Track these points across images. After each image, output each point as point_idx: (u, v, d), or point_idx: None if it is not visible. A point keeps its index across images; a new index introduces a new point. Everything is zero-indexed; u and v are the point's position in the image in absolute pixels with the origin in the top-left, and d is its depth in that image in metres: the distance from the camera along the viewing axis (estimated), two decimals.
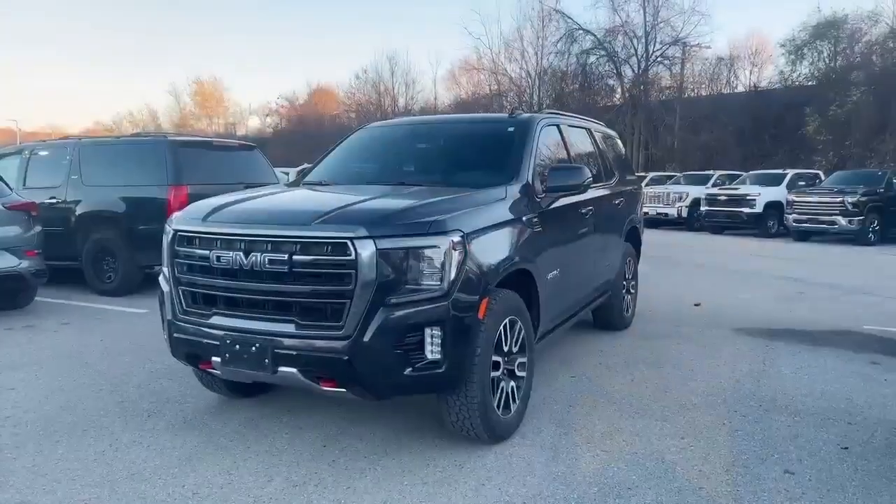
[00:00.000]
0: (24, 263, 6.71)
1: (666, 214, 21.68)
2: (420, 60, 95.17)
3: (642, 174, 26.30)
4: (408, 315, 3.15)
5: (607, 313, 6.15)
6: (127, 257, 7.86)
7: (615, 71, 36.00)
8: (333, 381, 3.24)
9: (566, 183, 4.26)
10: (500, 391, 3.66)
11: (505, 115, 4.92)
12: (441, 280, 3.20)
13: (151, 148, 7.92)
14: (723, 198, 19.59)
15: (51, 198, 8.27)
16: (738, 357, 5.46)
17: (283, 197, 4.00)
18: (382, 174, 4.63)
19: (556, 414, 4.17)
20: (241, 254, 3.29)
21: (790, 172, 20.27)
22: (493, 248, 3.58)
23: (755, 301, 8.05)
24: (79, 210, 8.16)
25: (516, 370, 3.83)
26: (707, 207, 19.81)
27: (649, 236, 18.01)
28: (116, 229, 7.92)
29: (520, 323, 3.82)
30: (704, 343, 5.91)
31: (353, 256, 3.10)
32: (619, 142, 6.97)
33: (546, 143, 4.78)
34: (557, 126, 5.11)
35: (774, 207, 18.59)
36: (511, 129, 4.65)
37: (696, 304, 7.73)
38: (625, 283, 6.35)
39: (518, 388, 3.87)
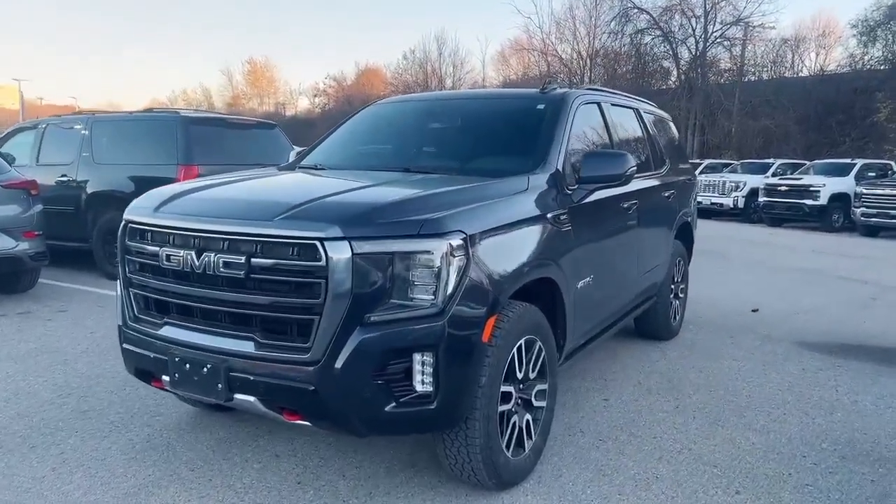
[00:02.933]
0: (22, 245, 6.29)
1: (721, 205, 20.55)
2: (468, 40, 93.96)
3: (697, 161, 25.07)
4: (392, 336, 2.51)
5: (652, 321, 5.40)
6: None
7: (671, 52, 34.45)
8: (298, 413, 2.62)
9: (604, 172, 3.53)
10: (510, 427, 3.00)
11: (536, 90, 4.20)
12: (435, 294, 2.54)
13: (162, 125, 7.43)
14: (783, 188, 18.37)
15: (62, 175, 7.87)
16: (805, 380, 4.65)
17: (259, 183, 3.37)
18: (386, 158, 3.96)
19: (582, 450, 3.47)
20: (193, 253, 2.68)
21: (859, 162, 18.88)
22: (507, 253, 2.90)
23: (821, 307, 7.15)
24: (89, 189, 7.73)
25: (533, 399, 3.15)
26: (766, 198, 18.62)
27: (702, 228, 16.96)
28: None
29: (539, 343, 3.14)
30: (764, 360, 5.11)
31: (322, 262, 2.46)
32: (672, 125, 6.15)
33: (583, 125, 4.05)
34: (598, 105, 4.36)
35: (840, 200, 17.33)
36: (541, 106, 3.93)
37: (753, 310, 6.88)
38: (673, 286, 5.57)
39: (535, 420, 3.20)
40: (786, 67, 35.56)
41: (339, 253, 2.45)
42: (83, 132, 7.92)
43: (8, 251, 6.18)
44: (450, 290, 2.56)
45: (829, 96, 29.89)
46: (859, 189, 16.45)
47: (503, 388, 2.89)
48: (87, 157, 7.77)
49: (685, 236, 5.79)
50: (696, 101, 32.15)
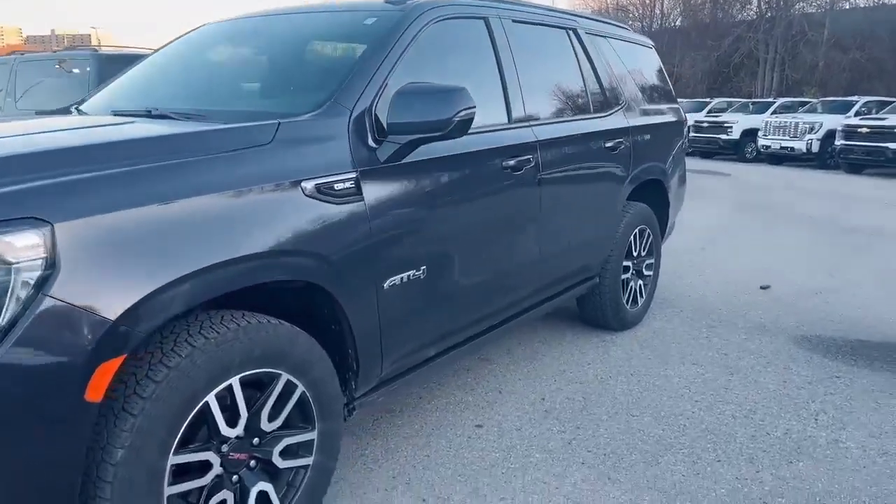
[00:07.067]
0: None
1: (791, 149, 18.34)
2: None
3: (771, 100, 22.61)
4: None
5: (596, 308, 4.20)
6: None
7: None
8: None
9: (418, 118, 2.34)
10: None
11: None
12: None
13: None
14: (864, 130, 16.08)
15: None
16: (779, 402, 3.40)
17: None
18: (143, 96, 2.89)
19: None
20: None
21: None
22: (176, 247, 1.78)
23: (853, 285, 5.66)
24: None
25: (277, 460, 2.13)
26: (843, 141, 16.39)
27: (764, 175, 15.17)
28: None
29: (290, 377, 2.10)
30: (736, 366, 3.85)
31: None
32: (648, 52, 4.76)
33: (444, 51, 2.88)
34: (485, 21, 3.13)
35: None
36: (369, 21, 2.77)
37: (762, 287, 5.52)
38: (631, 264, 4.32)
39: (289, 487, 2.20)
40: None
41: None
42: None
43: None
44: (4, 318, 1.54)
45: None
46: None
47: (186, 458, 1.88)
48: (10, 101, 7.03)
49: (654, 198, 4.48)
50: (777, 33, 28.97)
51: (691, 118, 21.23)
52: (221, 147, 2.02)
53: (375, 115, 2.40)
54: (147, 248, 1.73)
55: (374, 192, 2.34)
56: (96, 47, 6.90)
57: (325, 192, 2.17)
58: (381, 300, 2.41)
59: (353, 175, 2.27)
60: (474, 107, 2.41)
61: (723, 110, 22.45)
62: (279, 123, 2.18)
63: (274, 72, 2.86)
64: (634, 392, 3.48)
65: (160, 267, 1.74)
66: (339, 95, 2.38)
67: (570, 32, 3.82)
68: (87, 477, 1.73)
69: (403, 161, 2.44)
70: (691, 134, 20.57)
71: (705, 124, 20.62)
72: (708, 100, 24.37)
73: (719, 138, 20.10)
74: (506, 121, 3.09)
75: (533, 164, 3.14)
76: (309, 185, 2.14)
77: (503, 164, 2.97)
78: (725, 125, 20.11)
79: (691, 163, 18.03)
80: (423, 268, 2.57)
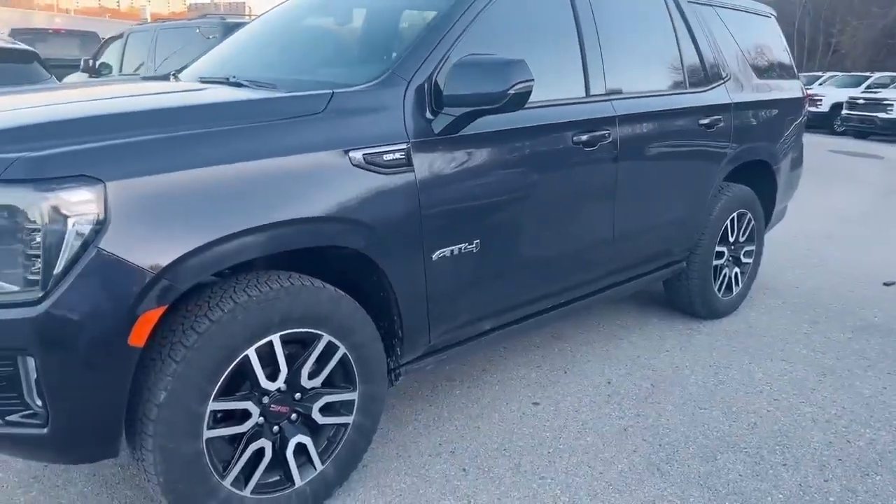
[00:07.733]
0: None
1: None
2: None
3: None
4: None
5: (680, 293, 4.01)
6: None
7: None
8: None
9: (473, 90, 2.31)
10: (257, 456, 2.13)
11: None
12: (31, 271, 1.71)
13: None
14: None
15: None
16: (872, 408, 3.12)
17: None
18: (226, 65, 3.04)
19: (415, 492, 2.50)
20: None
21: None
22: (220, 209, 1.89)
23: None
24: None
25: (317, 416, 2.24)
26: None
27: None
28: None
29: (331, 338, 2.20)
30: (834, 366, 3.56)
31: None
32: (759, 22, 4.38)
33: (520, 19, 2.81)
34: None
35: None
36: None
37: (886, 283, 5.03)
38: (726, 249, 4.08)
39: (329, 444, 2.32)
40: None
41: None
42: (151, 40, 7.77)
43: None
44: (59, 266, 1.71)
45: None
46: None
47: (226, 406, 2.03)
48: (151, 67, 7.64)
49: (759, 181, 4.18)
50: None
51: (845, 94, 19.50)
52: (275, 115, 2.12)
53: (436, 84, 2.40)
54: (190, 210, 1.86)
55: (426, 164, 2.35)
56: (224, 15, 7.34)
57: (372, 163, 2.22)
58: (429, 271, 2.44)
59: (404, 146, 2.30)
60: (532, 80, 2.35)
61: (884, 86, 20.36)
62: (332, 93, 2.24)
63: (346, 42, 2.93)
64: (708, 384, 3.32)
65: (201, 228, 1.86)
66: (398, 66, 2.40)
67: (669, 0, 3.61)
68: (135, 414, 1.91)
69: (459, 134, 2.44)
70: (843, 112, 18.88)
71: (861, 101, 18.75)
72: (868, 74, 22.19)
73: (877, 117, 18.22)
74: (582, 94, 2.99)
75: (609, 140, 3.02)
76: (357, 155, 2.19)
77: (574, 139, 2.88)
78: (885, 102, 18.18)
79: (840, 143, 16.63)
80: (475, 241, 2.57)
